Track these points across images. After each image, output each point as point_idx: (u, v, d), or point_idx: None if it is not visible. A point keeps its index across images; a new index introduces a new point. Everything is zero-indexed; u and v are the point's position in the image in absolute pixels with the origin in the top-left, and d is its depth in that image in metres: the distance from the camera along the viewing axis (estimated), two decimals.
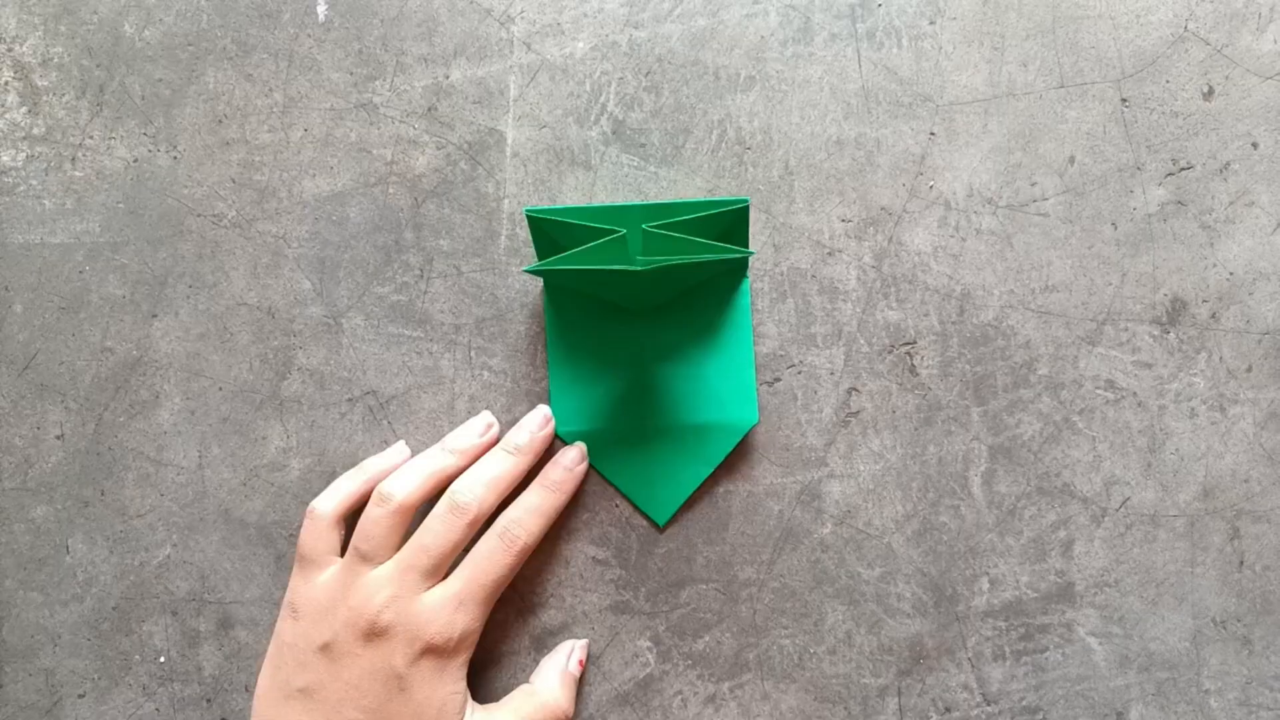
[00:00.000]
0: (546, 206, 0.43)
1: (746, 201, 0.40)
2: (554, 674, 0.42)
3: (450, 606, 0.39)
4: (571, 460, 0.42)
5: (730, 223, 0.40)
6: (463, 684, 0.39)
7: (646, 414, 0.43)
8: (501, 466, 0.41)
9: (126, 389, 0.44)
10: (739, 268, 0.43)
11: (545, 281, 0.43)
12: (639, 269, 0.37)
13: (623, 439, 0.43)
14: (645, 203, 0.42)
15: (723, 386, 0.43)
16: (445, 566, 0.40)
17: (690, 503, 0.44)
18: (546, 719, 0.41)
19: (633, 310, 0.43)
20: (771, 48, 0.45)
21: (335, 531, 0.41)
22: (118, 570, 0.44)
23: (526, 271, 0.38)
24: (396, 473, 0.41)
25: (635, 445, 0.43)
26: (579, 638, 0.44)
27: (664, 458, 0.43)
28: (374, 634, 0.38)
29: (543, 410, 0.43)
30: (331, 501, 0.41)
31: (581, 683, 0.44)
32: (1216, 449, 0.44)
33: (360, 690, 0.38)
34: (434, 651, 0.38)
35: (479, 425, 0.43)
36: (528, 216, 0.40)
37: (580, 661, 0.43)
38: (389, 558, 0.39)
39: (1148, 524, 0.44)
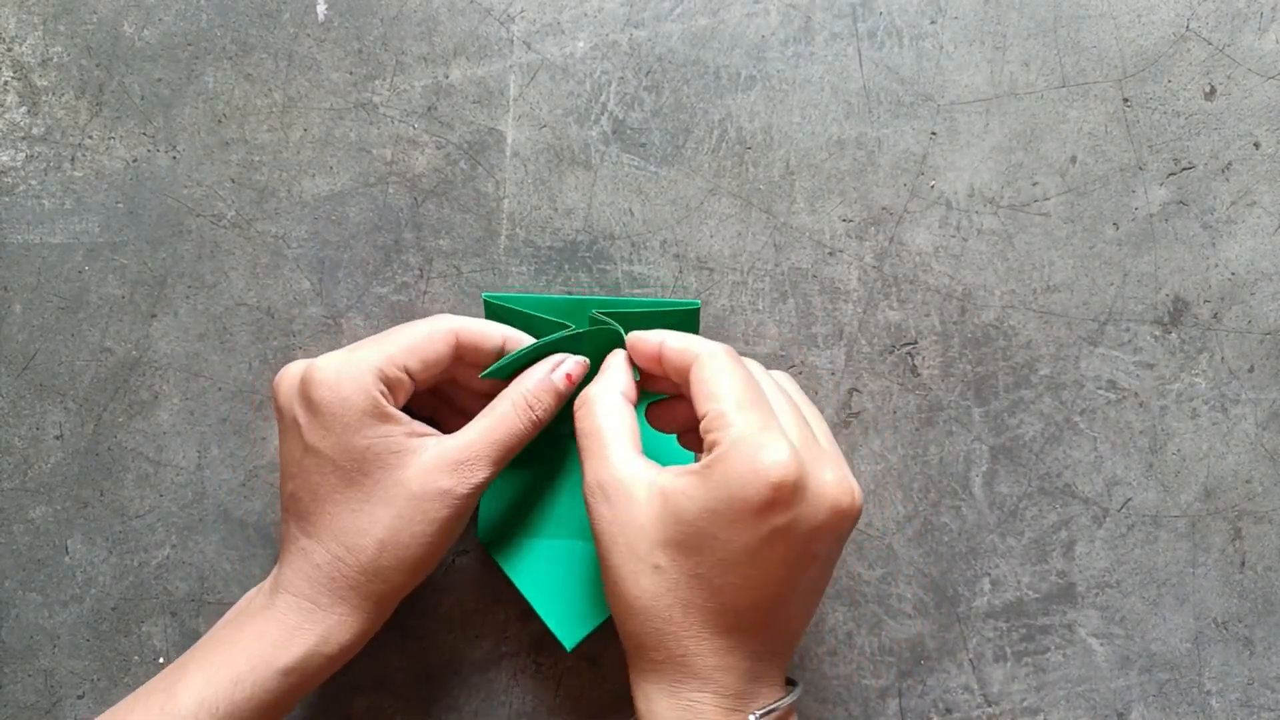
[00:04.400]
0: (505, 294, 0.43)
1: (697, 305, 0.41)
2: (529, 377, 0.38)
3: None
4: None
5: (678, 322, 0.40)
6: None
7: (574, 532, 0.42)
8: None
9: (126, 389, 0.44)
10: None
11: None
12: (583, 330, 0.37)
13: (546, 553, 0.42)
14: (601, 298, 0.42)
15: None
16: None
17: None
18: (506, 432, 0.37)
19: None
20: (772, 47, 0.45)
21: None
22: (117, 571, 0.44)
23: (484, 377, 0.38)
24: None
25: (556, 561, 0.41)
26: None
27: (583, 579, 0.41)
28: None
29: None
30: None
31: (582, 676, 0.44)
32: (1218, 449, 0.44)
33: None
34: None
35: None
36: (485, 303, 0.40)
37: (569, 376, 0.39)
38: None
39: (1149, 525, 0.44)
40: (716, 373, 0.34)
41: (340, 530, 0.36)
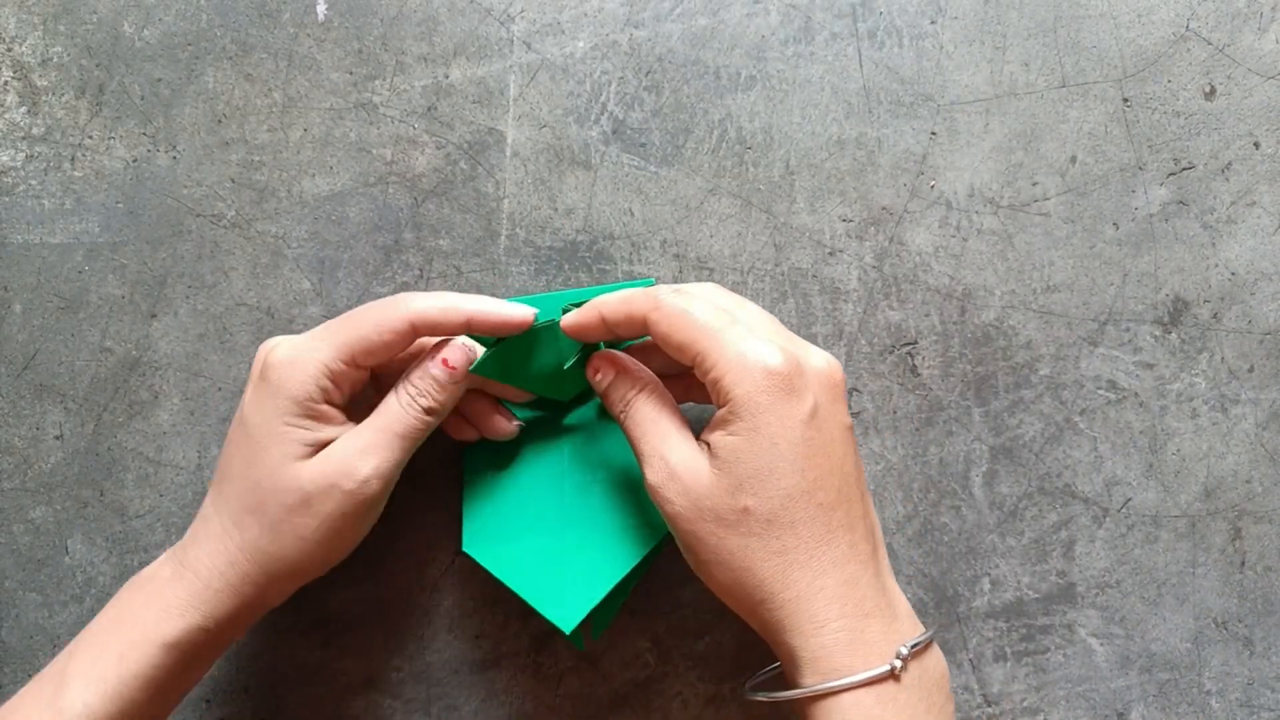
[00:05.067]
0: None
1: (652, 282, 0.42)
2: (411, 370, 0.38)
3: None
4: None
5: None
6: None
7: (562, 524, 0.41)
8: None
9: (126, 389, 0.44)
10: None
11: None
12: (556, 320, 0.38)
13: (534, 549, 0.40)
14: (566, 291, 0.43)
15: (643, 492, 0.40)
16: None
17: None
18: (400, 424, 0.37)
19: (562, 402, 0.42)
20: (772, 47, 0.45)
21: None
22: (117, 571, 0.44)
23: (472, 372, 0.38)
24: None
25: (545, 554, 0.40)
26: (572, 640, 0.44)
27: (574, 565, 0.40)
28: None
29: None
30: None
31: (582, 676, 0.44)
32: (1218, 449, 0.44)
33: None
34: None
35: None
36: None
37: (444, 360, 0.38)
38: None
39: (1149, 524, 0.44)
40: (676, 321, 0.35)
41: (236, 508, 0.37)
